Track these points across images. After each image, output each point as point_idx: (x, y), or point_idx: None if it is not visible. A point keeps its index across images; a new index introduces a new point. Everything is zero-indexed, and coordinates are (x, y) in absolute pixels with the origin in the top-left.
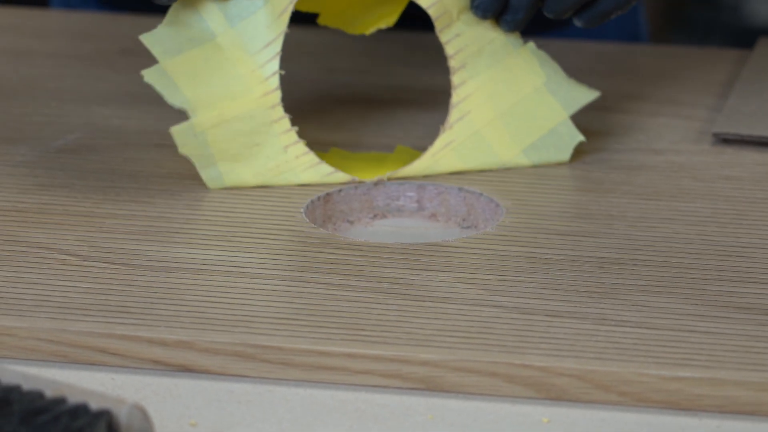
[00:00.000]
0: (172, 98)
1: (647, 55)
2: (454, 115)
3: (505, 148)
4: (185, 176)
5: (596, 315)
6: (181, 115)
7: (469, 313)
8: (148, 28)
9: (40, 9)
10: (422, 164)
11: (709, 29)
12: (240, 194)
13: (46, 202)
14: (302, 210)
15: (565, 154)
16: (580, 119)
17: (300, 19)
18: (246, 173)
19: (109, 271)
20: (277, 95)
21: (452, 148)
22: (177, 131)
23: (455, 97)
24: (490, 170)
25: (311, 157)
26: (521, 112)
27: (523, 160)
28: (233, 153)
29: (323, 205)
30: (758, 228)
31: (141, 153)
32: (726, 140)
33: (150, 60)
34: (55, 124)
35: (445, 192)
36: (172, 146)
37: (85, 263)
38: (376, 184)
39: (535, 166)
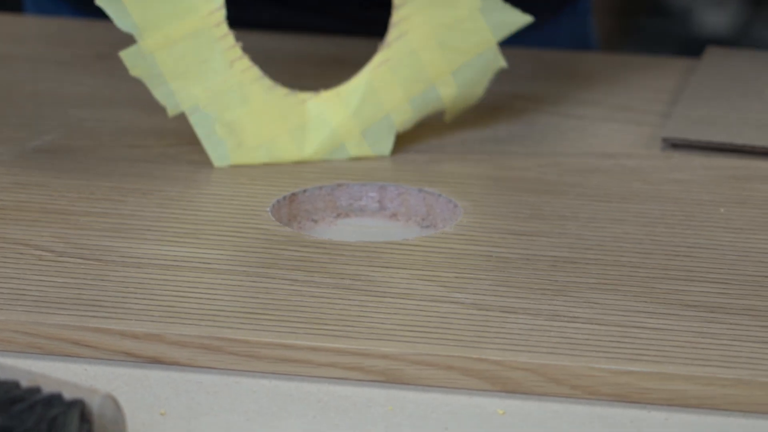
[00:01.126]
0: (121, 22)
1: (599, 62)
2: (392, 33)
3: (437, 70)
4: (155, 176)
5: (549, 311)
6: (154, 116)
7: (427, 309)
8: (123, 34)
9: (15, 14)
10: (361, 80)
11: (659, 38)
12: (209, 194)
13: (23, 200)
14: (268, 209)
15: (486, 79)
16: (536, 123)
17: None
18: (196, 90)
19: (83, 267)
20: (222, 13)
21: (389, 67)
22: (126, 54)
23: (395, 17)
24: (419, 93)
25: (255, 71)
26: (455, 35)
27: (451, 83)
28: (182, 71)
29: (288, 204)
30: (704, 229)
31: (115, 153)
32: (675, 145)
33: (121, 64)
34: (32, 125)
35: (406, 193)
36: (144, 147)
37: (60, 259)
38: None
39: (457, 92)
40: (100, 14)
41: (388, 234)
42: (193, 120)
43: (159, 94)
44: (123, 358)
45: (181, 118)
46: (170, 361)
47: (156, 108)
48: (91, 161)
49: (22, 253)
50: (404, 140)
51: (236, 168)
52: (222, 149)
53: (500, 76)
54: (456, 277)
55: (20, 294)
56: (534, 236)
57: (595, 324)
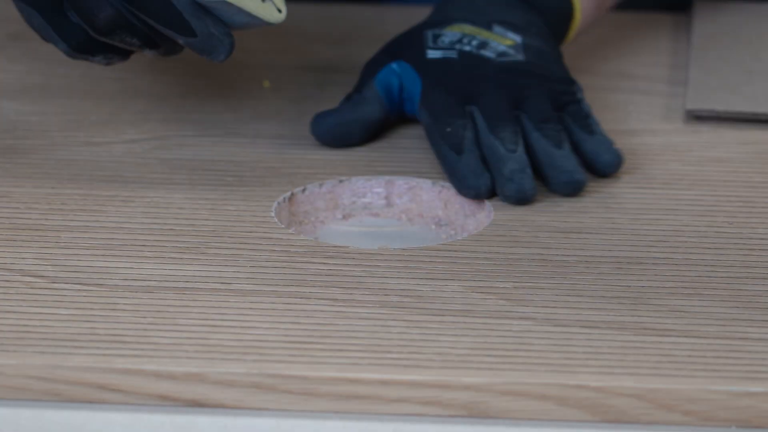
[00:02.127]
0: None
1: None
2: None
3: None
4: (128, 179)
5: (635, 324)
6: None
7: (498, 328)
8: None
9: None
10: None
11: None
12: (198, 198)
13: None
14: (272, 214)
15: None
16: None
17: None
18: None
19: (84, 294)
20: None
21: None
22: None
23: None
24: None
25: None
26: None
27: None
28: None
29: (288, 205)
30: None
31: (73, 153)
32: (699, 117)
33: (42, 44)
34: None
35: (417, 187)
36: (103, 144)
37: (55, 286)
38: None
39: None
40: None
41: (405, 235)
42: None
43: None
44: (158, 402)
45: (135, 110)
46: (214, 404)
47: (100, 96)
48: (49, 164)
49: (8, 281)
50: (409, 127)
51: (217, 166)
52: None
53: None
54: (515, 287)
55: (23, 332)
56: (584, 233)
57: (693, 337)
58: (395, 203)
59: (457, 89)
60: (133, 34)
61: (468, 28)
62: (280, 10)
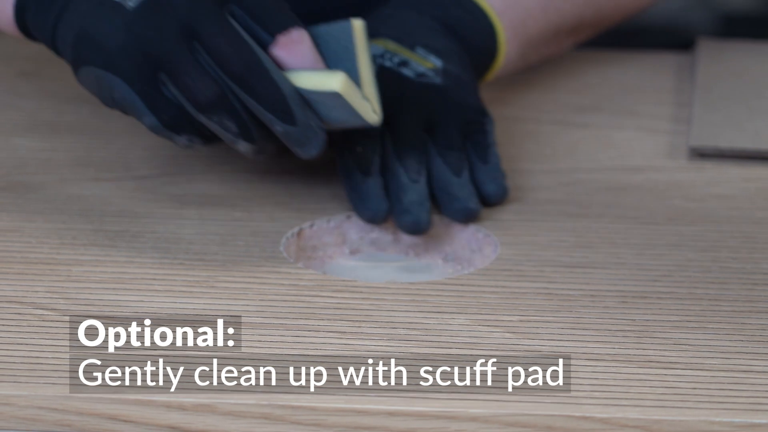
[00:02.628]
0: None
1: (583, 60)
2: None
3: None
4: (138, 214)
5: (640, 357)
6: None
7: (504, 361)
8: (42, 46)
9: None
10: None
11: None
12: (207, 233)
13: None
14: (281, 248)
15: None
16: (539, 134)
17: None
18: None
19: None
20: None
21: None
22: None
23: None
24: None
25: None
26: None
27: None
28: None
29: (296, 241)
30: None
31: (83, 189)
32: (702, 154)
33: (53, 82)
34: None
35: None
36: (112, 180)
37: (66, 318)
38: None
39: None
40: None
41: (413, 269)
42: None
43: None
44: None
45: (144, 146)
46: None
47: (110, 133)
48: (60, 199)
49: (20, 314)
50: None
51: (226, 201)
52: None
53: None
54: (521, 321)
55: (35, 363)
56: (589, 268)
57: (697, 369)
58: (402, 239)
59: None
60: (231, 117)
61: (391, 45)
62: (375, 112)
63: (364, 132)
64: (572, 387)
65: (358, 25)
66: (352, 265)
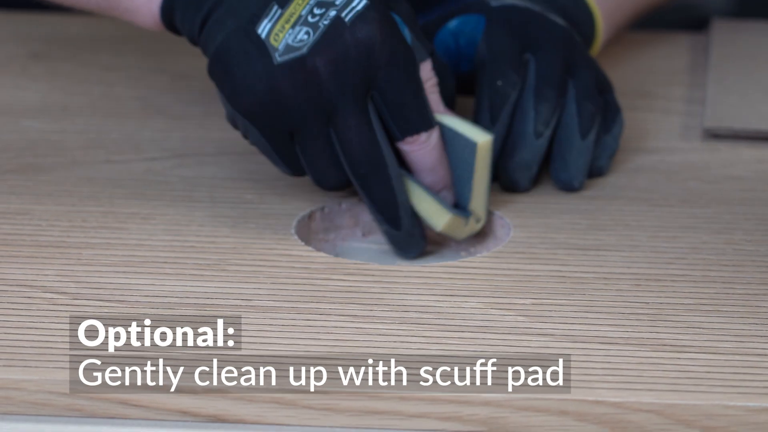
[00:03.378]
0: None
1: None
2: None
3: None
4: (149, 197)
5: (653, 340)
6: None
7: (516, 344)
8: (54, 27)
9: None
10: None
11: None
12: (218, 216)
13: (8, 232)
14: (292, 231)
15: None
16: None
17: None
18: None
19: (106, 311)
20: None
21: None
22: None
23: None
24: None
25: None
26: None
27: None
28: None
29: (308, 223)
30: None
31: (93, 171)
32: (717, 135)
33: (64, 64)
34: None
35: None
36: (124, 162)
37: (77, 302)
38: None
39: None
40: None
41: (424, 253)
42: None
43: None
44: (179, 417)
45: (155, 128)
46: (235, 419)
47: (121, 115)
48: (70, 182)
49: (30, 298)
50: None
51: (237, 184)
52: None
53: None
54: (533, 303)
55: (46, 347)
56: (602, 251)
57: (710, 353)
58: None
59: (520, 33)
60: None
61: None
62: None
63: (508, 56)
64: (585, 371)
65: (483, 145)
66: (364, 248)
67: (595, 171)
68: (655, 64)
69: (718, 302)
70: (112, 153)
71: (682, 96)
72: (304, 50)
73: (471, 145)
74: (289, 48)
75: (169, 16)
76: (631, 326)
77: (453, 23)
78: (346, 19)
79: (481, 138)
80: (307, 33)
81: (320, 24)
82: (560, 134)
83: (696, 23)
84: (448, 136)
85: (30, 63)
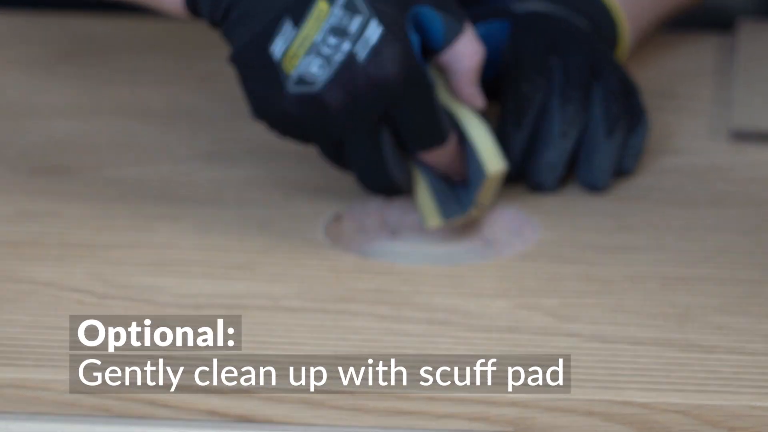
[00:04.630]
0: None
1: None
2: None
3: None
4: (177, 198)
5: (681, 341)
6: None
7: (544, 345)
8: (81, 29)
9: None
10: None
11: None
12: (246, 216)
13: (37, 232)
14: (321, 232)
15: None
16: None
17: None
18: None
19: (134, 311)
20: None
21: None
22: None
23: None
24: None
25: None
26: None
27: None
28: None
29: (336, 224)
30: None
31: (122, 172)
32: (743, 136)
33: (92, 64)
34: (17, 143)
35: None
36: (152, 164)
37: (105, 302)
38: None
39: None
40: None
41: (452, 254)
42: None
43: None
44: (207, 417)
45: (183, 130)
46: (263, 419)
47: (150, 115)
48: (98, 183)
49: (58, 298)
50: None
51: (265, 185)
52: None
53: None
54: (561, 305)
55: (74, 348)
56: (630, 251)
57: (739, 354)
58: None
59: (545, 38)
60: None
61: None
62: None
63: (535, 59)
64: (613, 371)
65: (493, 176)
66: (392, 249)
67: (622, 172)
68: (681, 65)
69: (746, 303)
70: (140, 154)
71: (709, 97)
72: (317, 88)
73: (482, 171)
74: (302, 80)
75: (192, 2)
76: (658, 327)
77: (477, 30)
78: (361, 56)
79: (493, 168)
80: (321, 67)
81: (334, 59)
82: (586, 135)
83: (722, 24)
84: (467, 144)
85: (58, 64)
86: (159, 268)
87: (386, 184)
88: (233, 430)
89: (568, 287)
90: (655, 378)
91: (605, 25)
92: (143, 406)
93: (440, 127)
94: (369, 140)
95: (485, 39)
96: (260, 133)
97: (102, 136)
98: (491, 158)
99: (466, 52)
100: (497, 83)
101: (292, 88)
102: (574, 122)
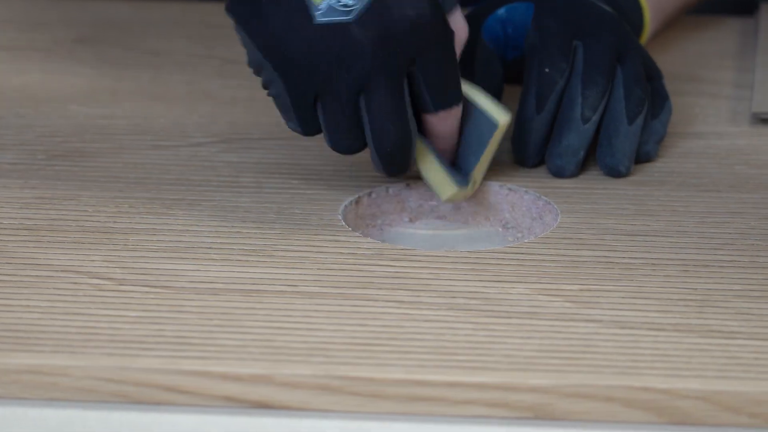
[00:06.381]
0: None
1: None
2: None
3: None
4: (195, 182)
5: (702, 327)
6: (169, 109)
7: (564, 330)
8: (101, 12)
9: None
10: None
11: None
12: (265, 202)
13: (55, 218)
14: (340, 217)
15: None
16: None
17: None
18: None
19: (152, 297)
20: None
21: None
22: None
23: None
24: None
25: None
26: None
27: None
28: None
29: (355, 208)
30: None
31: (140, 157)
32: (765, 120)
33: (111, 48)
34: (35, 126)
35: (483, 189)
36: (170, 147)
37: (123, 288)
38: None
39: None
40: None
41: (473, 239)
42: None
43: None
44: (224, 403)
45: (202, 113)
46: (281, 406)
47: (168, 100)
48: (117, 167)
49: (77, 283)
50: None
51: (284, 169)
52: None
53: None
54: (581, 290)
55: (92, 333)
56: (650, 236)
57: (759, 339)
58: (462, 206)
59: (569, 20)
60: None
61: None
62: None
63: (558, 43)
64: (633, 357)
65: (502, 126)
66: (411, 234)
67: (643, 156)
68: (703, 48)
69: (767, 288)
70: (159, 138)
71: (730, 80)
72: (351, 17)
73: (491, 124)
74: (332, 10)
75: None
76: (678, 312)
77: (501, 11)
78: None
79: (503, 118)
80: None
81: None
82: (607, 119)
83: (744, 7)
84: (470, 113)
85: (77, 48)
86: (177, 254)
87: (403, 138)
88: (251, 416)
89: (587, 272)
90: (676, 364)
91: (630, 10)
92: (160, 393)
93: (459, 83)
94: (394, 85)
95: (509, 21)
96: (280, 117)
97: (121, 120)
98: (496, 110)
99: (456, 26)
100: (519, 66)
101: (320, 18)
102: (596, 107)
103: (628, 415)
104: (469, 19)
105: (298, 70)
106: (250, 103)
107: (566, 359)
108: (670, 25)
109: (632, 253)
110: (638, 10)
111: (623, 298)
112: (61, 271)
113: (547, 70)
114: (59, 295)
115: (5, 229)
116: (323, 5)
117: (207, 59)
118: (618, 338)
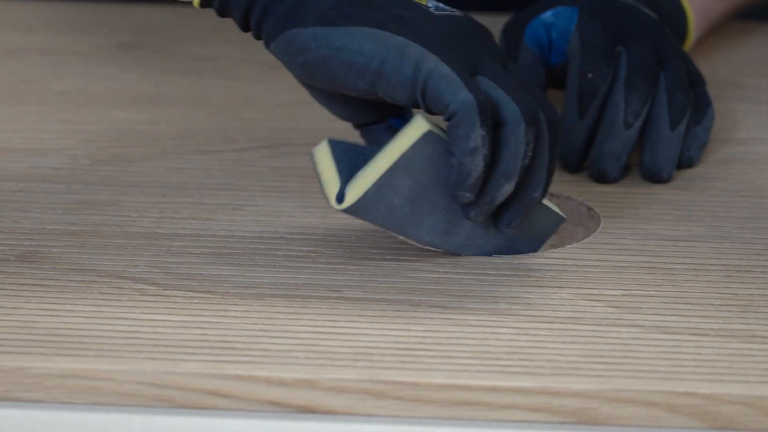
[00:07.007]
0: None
1: None
2: None
3: None
4: (238, 187)
5: (744, 332)
6: (212, 114)
7: (606, 336)
8: (142, 17)
9: (9, 1)
10: None
11: None
12: (307, 207)
13: (98, 223)
14: None
15: None
16: None
17: None
18: None
19: (196, 301)
20: None
21: None
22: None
23: None
24: None
25: None
26: None
27: None
28: None
29: None
30: None
31: (182, 162)
32: None
33: (153, 54)
34: (78, 131)
35: None
36: (213, 152)
37: (166, 292)
38: None
39: None
40: None
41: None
42: None
43: None
44: (269, 408)
45: (245, 119)
46: (325, 410)
47: (210, 105)
48: (160, 172)
49: (121, 288)
50: None
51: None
52: None
53: None
54: (623, 294)
55: (134, 338)
56: (692, 241)
57: None
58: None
59: (612, 25)
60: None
61: None
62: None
63: (601, 47)
64: (676, 362)
65: (418, 125)
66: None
67: (686, 162)
68: (745, 54)
69: None
70: (202, 143)
71: None
72: (458, 12)
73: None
74: (439, 8)
75: None
76: (721, 317)
77: (546, 15)
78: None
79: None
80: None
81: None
82: (650, 125)
83: None
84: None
85: (119, 53)
86: (221, 259)
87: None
88: (295, 421)
89: (629, 277)
90: (718, 369)
91: (674, 16)
92: (204, 397)
93: None
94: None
95: (553, 26)
96: (321, 121)
97: (164, 125)
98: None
99: None
100: (563, 71)
101: (436, 12)
102: (638, 112)
103: (671, 420)
104: (512, 24)
105: (448, 44)
106: (292, 107)
107: (609, 364)
108: (716, 30)
109: (674, 259)
110: (683, 15)
111: (665, 303)
112: (105, 276)
113: (589, 75)
114: (103, 299)
115: (49, 234)
116: (430, 4)
117: (248, 64)
118: (660, 343)
